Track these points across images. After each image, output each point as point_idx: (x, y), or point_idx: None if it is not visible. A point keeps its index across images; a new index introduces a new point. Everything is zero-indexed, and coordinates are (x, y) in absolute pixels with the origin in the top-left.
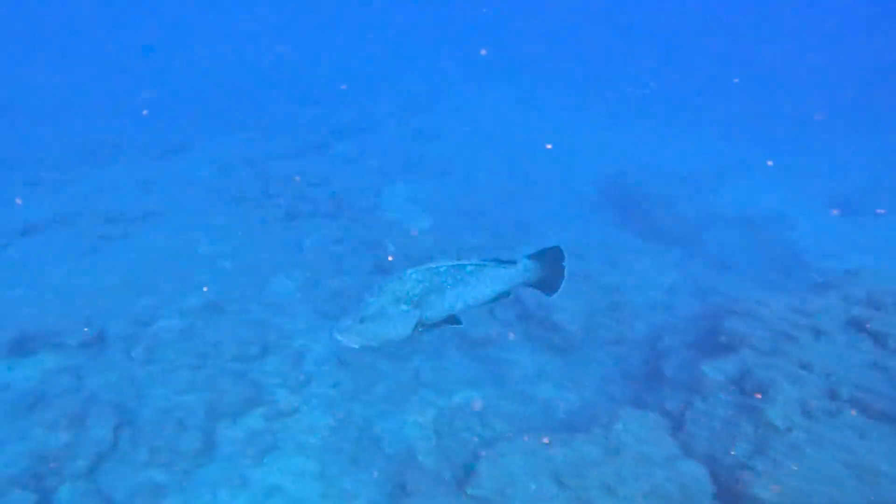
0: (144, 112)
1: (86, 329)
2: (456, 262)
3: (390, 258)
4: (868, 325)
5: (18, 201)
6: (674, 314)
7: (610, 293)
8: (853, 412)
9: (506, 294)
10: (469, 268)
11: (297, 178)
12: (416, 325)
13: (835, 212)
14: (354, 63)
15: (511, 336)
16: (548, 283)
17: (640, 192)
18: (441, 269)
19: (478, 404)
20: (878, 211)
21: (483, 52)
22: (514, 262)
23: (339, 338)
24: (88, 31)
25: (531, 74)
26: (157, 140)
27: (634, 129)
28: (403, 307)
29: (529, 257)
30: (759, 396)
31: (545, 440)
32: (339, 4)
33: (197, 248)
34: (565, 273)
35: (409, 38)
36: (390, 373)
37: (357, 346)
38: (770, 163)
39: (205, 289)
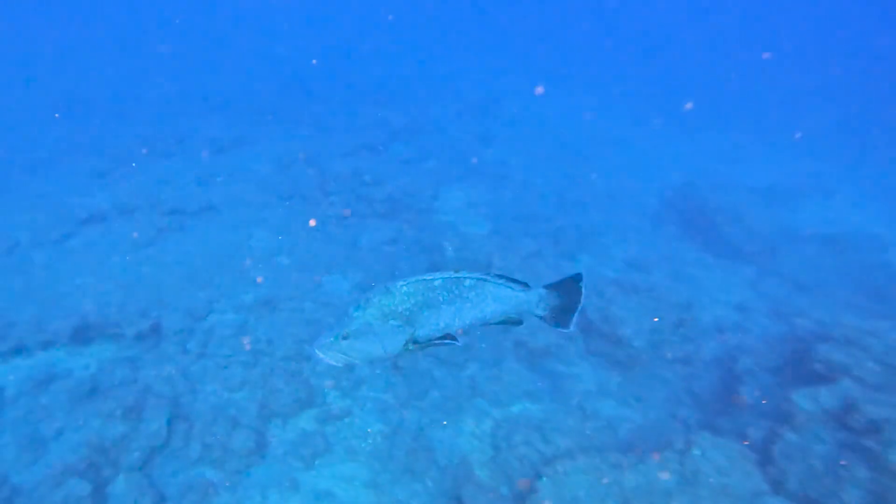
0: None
1: (142, 321)
2: (453, 276)
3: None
4: None
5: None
6: (748, 335)
7: (676, 309)
8: None
9: (515, 321)
10: (468, 282)
11: (351, 175)
12: (406, 343)
13: None
14: (414, 65)
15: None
16: (558, 319)
17: (710, 204)
18: (435, 283)
19: (537, 417)
20: None
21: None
22: (525, 286)
23: (320, 355)
24: (155, 30)
25: (593, 81)
26: (217, 135)
27: (702, 139)
28: (392, 323)
29: (546, 288)
30: (870, 436)
31: (613, 461)
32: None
33: (253, 243)
34: (579, 307)
35: (469, 43)
36: (445, 380)
37: (340, 365)
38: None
39: (259, 279)
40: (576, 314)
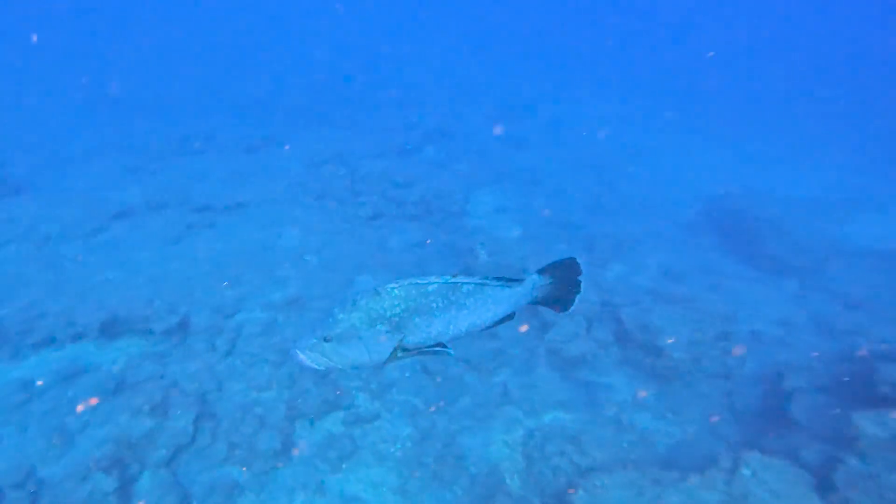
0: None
1: (170, 317)
2: (450, 280)
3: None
4: None
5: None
6: (794, 352)
7: (716, 321)
8: None
9: (508, 317)
10: (466, 287)
11: (381, 176)
12: (393, 351)
13: None
14: (447, 68)
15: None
16: (559, 300)
17: (750, 216)
18: (430, 288)
19: (570, 429)
20: None
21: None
22: (520, 281)
23: (301, 357)
24: (191, 31)
25: (624, 89)
26: (247, 134)
27: (737, 149)
28: (380, 328)
29: (540, 272)
30: None
31: (653, 477)
32: (436, 11)
33: (282, 242)
34: (581, 288)
35: (501, 48)
36: (476, 386)
37: (321, 368)
38: None
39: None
40: (576, 295)
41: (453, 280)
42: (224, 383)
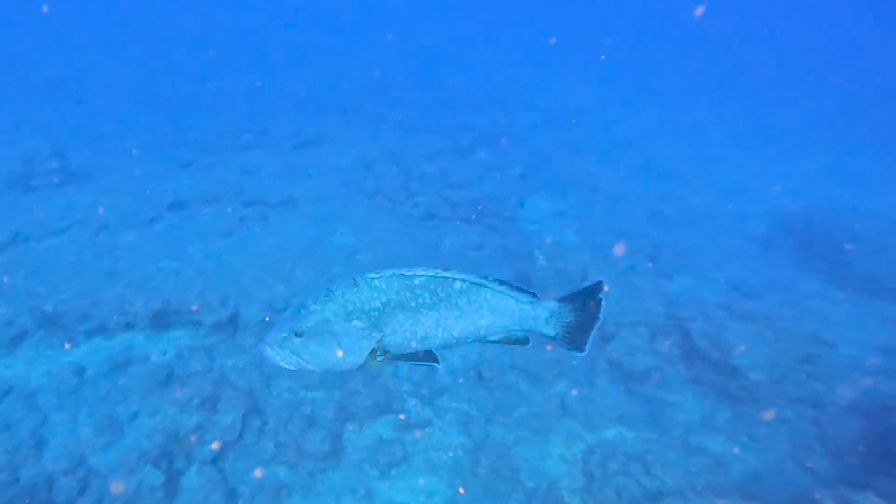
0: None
1: (221, 310)
2: (440, 275)
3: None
4: None
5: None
6: None
7: (800, 342)
8: None
9: (520, 340)
10: (458, 284)
11: (436, 176)
12: (372, 352)
13: None
14: (500, 72)
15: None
16: (573, 339)
17: (838, 232)
18: (416, 281)
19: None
20: None
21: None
22: (532, 296)
23: (269, 353)
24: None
25: (689, 96)
26: (300, 130)
27: (818, 160)
28: (356, 323)
29: (560, 301)
30: None
31: None
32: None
33: (334, 239)
34: (595, 327)
35: (557, 53)
36: (533, 396)
37: (292, 368)
38: None
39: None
40: (591, 334)
41: (444, 274)
42: (272, 380)
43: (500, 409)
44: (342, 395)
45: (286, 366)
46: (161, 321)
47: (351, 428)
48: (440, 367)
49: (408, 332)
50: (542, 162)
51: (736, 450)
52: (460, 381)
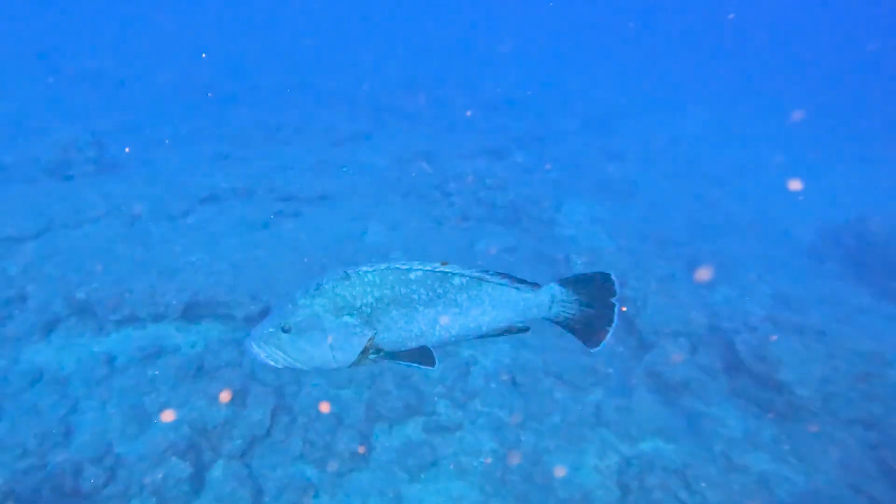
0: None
1: (252, 304)
2: (438, 269)
3: None
4: None
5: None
6: None
7: (855, 360)
8: None
9: (520, 329)
10: (458, 279)
11: (471, 177)
12: (364, 351)
13: None
14: (537, 74)
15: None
16: (587, 327)
17: (894, 245)
18: (412, 275)
19: (673, 460)
20: None
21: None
22: (535, 286)
23: (255, 350)
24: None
25: (733, 100)
26: (335, 127)
27: (870, 169)
28: (347, 319)
29: (562, 283)
30: None
31: None
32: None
33: (368, 237)
34: (615, 316)
35: (595, 56)
36: (567, 403)
37: (279, 366)
38: None
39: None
40: (611, 328)
41: (442, 269)
42: (302, 377)
43: (533, 416)
44: (372, 395)
45: (272, 363)
46: (192, 313)
47: (380, 429)
48: (434, 369)
49: (402, 329)
50: (579, 166)
51: (782, 469)
52: (493, 385)
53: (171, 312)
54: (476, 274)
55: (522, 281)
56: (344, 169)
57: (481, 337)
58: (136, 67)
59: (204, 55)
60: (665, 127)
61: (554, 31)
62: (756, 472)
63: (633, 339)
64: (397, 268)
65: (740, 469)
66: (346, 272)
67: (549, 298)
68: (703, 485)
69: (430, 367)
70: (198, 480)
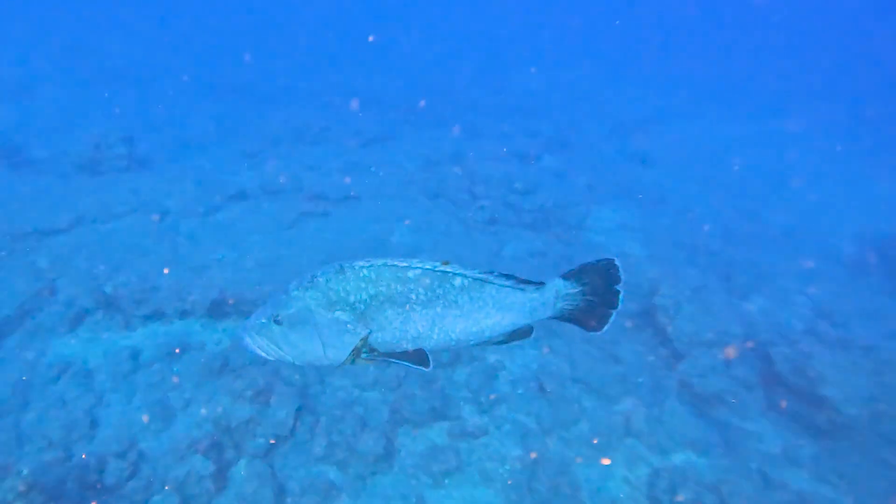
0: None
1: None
2: (439, 268)
3: None
4: None
5: None
6: None
7: None
8: None
9: (524, 332)
10: (459, 280)
11: (499, 181)
12: (356, 349)
13: None
14: (567, 77)
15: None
16: (588, 314)
17: None
18: (410, 274)
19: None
20: None
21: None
22: (538, 286)
23: (247, 341)
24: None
25: (770, 107)
26: (364, 128)
27: None
28: (339, 315)
29: (565, 277)
30: None
31: None
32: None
33: (395, 239)
34: (619, 302)
35: (626, 61)
36: (595, 412)
37: (271, 358)
38: None
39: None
40: (613, 311)
41: (442, 268)
42: (327, 377)
43: (560, 424)
44: (397, 398)
45: (264, 355)
46: (218, 310)
47: (404, 432)
48: (427, 370)
49: (398, 329)
50: (609, 171)
51: (824, 489)
52: (519, 391)
53: (197, 309)
54: (479, 275)
55: (527, 281)
56: (372, 170)
57: (484, 342)
58: (169, 64)
59: (247, 56)
60: (697, 134)
61: (585, 35)
62: (795, 491)
63: (664, 348)
64: (394, 265)
65: (779, 486)
66: (341, 265)
67: (554, 294)
68: (738, 501)
69: (425, 369)
70: (220, 478)
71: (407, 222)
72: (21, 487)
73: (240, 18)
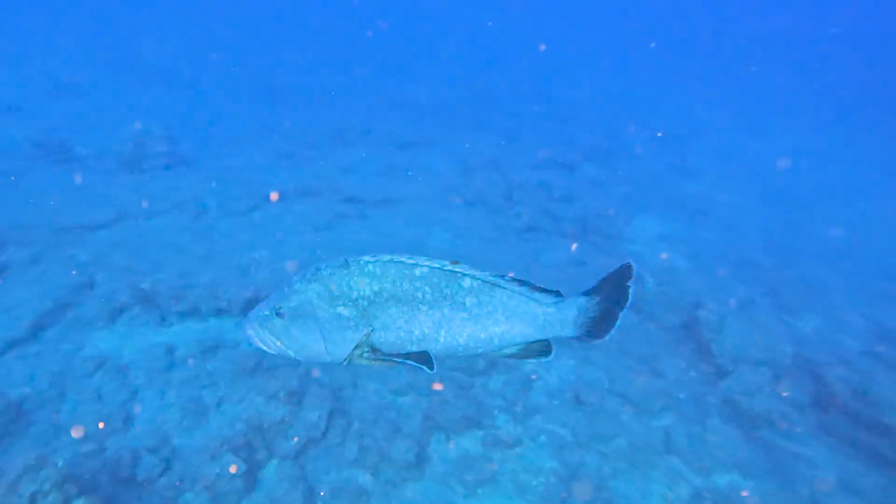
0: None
1: None
2: (448, 268)
3: None
4: None
5: None
6: None
7: None
8: None
9: (541, 350)
10: (468, 281)
11: (538, 188)
12: (358, 346)
13: None
14: (610, 85)
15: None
16: (602, 319)
17: None
18: (417, 272)
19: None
20: None
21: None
22: (558, 297)
23: (249, 333)
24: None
25: (826, 121)
26: (402, 132)
27: None
28: (341, 311)
29: (587, 293)
30: None
31: None
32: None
33: (431, 243)
34: (628, 298)
35: (670, 70)
36: (634, 426)
37: (272, 352)
38: None
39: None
40: (616, 322)
41: (451, 268)
42: (359, 380)
43: (597, 437)
44: (431, 404)
45: (265, 348)
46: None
47: (437, 439)
48: (431, 371)
49: (402, 329)
50: (651, 182)
51: None
52: (556, 402)
53: (232, 308)
54: (489, 278)
55: (543, 289)
56: (409, 173)
57: (495, 352)
58: (210, 65)
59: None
60: (745, 146)
61: (629, 44)
62: None
63: (707, 364)
64: (401, 261)
65: None
66: (346, 260)
67: (576, 312)
68: None
69: (429, 370)
70: (251, 478)
71: (443, 228)
72: (56, 478)
73: (282, 22)
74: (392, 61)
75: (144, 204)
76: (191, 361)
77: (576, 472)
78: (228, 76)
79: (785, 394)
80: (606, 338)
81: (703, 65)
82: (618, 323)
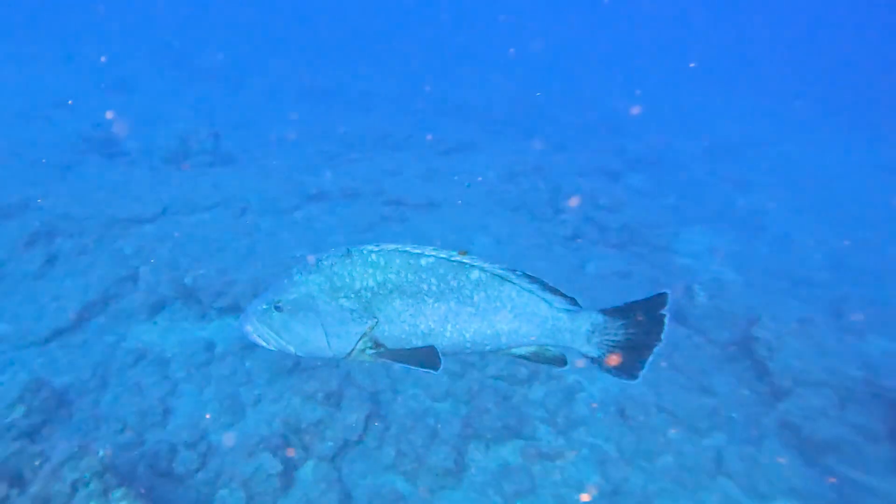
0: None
1: None
2: (455, 258)
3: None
4: None
5: None
6: None
7: None
8: None
9: (555, 358)
10: (476, 274)
11: (584, 196)
12: (361, 340)
13: None
14: (660, 94)
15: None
16: (630, 352)
17: None
18: (423, 262)
19: None
20: None
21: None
22: (572, 303)
23: (247, 328)
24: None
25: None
26: (446, 136)
27: None
28: (344, 303)
29: (606, 312)
30: None
31: None
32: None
33: (473, 249)
34: (655, 351)
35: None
36: (681, 445)
37: (272, 348)
38: None
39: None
40: (649, 359)
41: (459, 259)
42: (398, 385)
43: (642, 454)
44: (470, 411)
45: (264, 344)
46: None
47: (476, 447)
48: (436, 371)
49: (407, 323)
50: (701, 193)
51: None
52: (599, 415)
53: None
54: (499, 271)
55: (556, 292)
56: (455, 178)
57: (503, 350)
58: (257, 65)
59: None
60: (801, 157)
61: (682, 53)
62: None
63: (763, 383)
64: (406, 251)
65: None
66: (348, 249)
67: (589, 327)
68: None
69: (433, 370)
70: (287, 478)
71: (486, 235)
72: (97, 468)
73: (330, 24)
74: (440, 68)
75: (188, 200)
76: (229, 358)
77: (619, 489)
78: (278, 79)
79: (854, 420)
80: (639, 378)
81: (758, 75)
82: (650, 359)
